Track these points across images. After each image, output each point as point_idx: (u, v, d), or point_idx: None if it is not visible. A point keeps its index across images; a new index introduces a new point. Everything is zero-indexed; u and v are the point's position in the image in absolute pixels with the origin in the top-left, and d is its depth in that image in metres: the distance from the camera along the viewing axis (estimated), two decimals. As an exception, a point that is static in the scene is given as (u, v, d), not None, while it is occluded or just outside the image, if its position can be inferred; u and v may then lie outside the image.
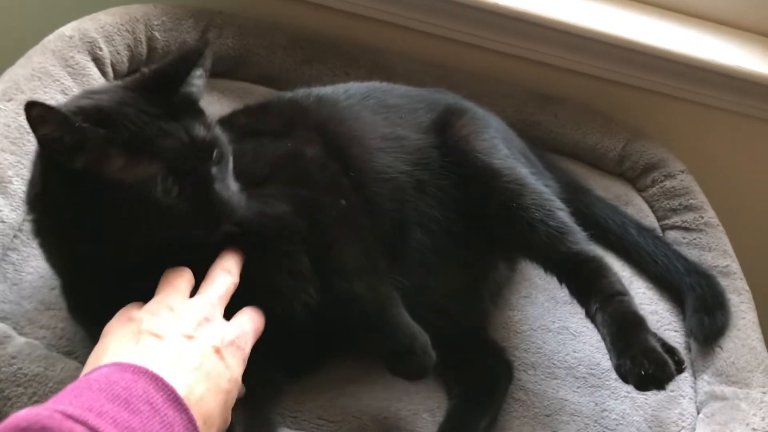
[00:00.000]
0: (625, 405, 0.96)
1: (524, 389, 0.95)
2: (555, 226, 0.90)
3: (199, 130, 0.75)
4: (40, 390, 0.75)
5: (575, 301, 0.91)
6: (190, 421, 0.61)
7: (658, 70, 1.31)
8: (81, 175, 0.70)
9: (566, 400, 0.95)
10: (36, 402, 0.74)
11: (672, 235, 1.19)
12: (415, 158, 0.94)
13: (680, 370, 0.81)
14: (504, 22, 1.26)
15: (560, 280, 0.92)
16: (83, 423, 0.55)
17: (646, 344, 0.80)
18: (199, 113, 0.78)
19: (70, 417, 0.55)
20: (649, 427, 0.95)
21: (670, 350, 0.83)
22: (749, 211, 1.44)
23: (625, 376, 0.80)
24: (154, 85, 0.76)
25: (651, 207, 1.25)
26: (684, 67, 1.27)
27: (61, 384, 0.76)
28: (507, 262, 1.02)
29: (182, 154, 0.73)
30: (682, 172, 1.25)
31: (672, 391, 0.99)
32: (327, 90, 1.03)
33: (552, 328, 1.03)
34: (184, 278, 0.76)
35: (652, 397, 0.98)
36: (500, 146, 0.99)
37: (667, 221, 1.22)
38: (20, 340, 0.80)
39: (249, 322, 0.77)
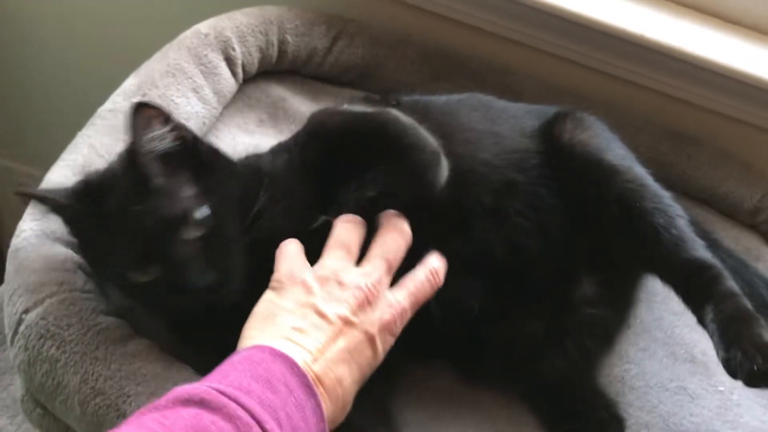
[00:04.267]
0: (744, 480, 0.91)
1: (636, 451, 0.91)
2: (677, 234, 0.86)
3: (171, 198, 0.74)
4: (158, 390, 0.75)
5: (689, 309, 0.85)
6: (318, 405, 0.65)
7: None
8: None
9: (681, 469, 0.90)
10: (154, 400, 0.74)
11: (805, 299, 1.11)
12: (510, 158, 0.89)
13: None
14: (644, 54, 1.20)
15: (675, 287, 0.87)
16: (234, 400, 0.60)
17: (760, 338, 0.75)
18: (178, 167, 0.76)
19: (222, 393, 0.60)
20: None
21: None
22: None
23: (734, 371, 0.75)
24: (129, 161, 0.76)
25: (784, 265, 1.17)
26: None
27: (177, 385, 0.74)
28: (592, 278, 0.93)
29: (143, 243, 0.73)
30: (821, 231, 1.16)
31: (796, 471, 0.93)
32: (432, 96, 1.01)
33: (669, 387, 0.97)
34: (354, 235, 0.79)
35: (775, 475, 0.92)
36: (614, 145, 0.94)
37: (800, 282, 1.13)
38: (141, 340, 0.81)
39: (410, 296, 0.77)
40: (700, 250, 0.86)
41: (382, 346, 0.74)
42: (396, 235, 0.79)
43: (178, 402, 0.59)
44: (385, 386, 0.85)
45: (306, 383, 0.65)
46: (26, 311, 0.78)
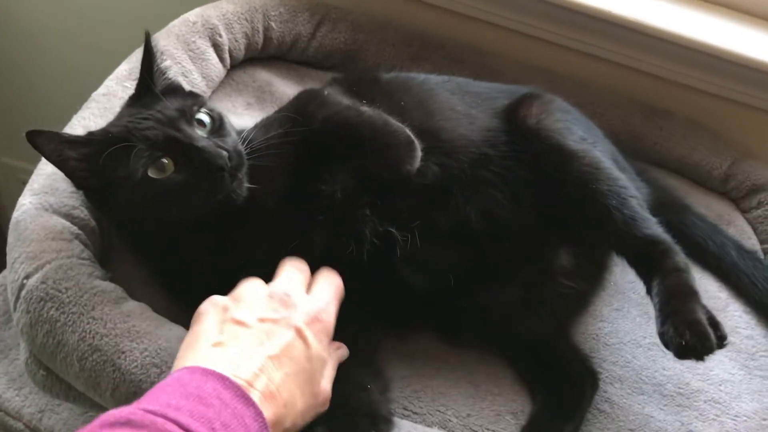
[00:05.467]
0: (713, 429, 0.94)
1: (609, 401, 0.95)
2: (629, 214, 0.91)
3: (175, 104, 0.83)
4: (151, 346, 0.80)
5: (640, 284, 0.91)
6: (258, 413, 0.66)
7: (771, 89, 1.27)
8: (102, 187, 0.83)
9: (652, 417, 0.94)
10: (147, 357, 0.80)
11: (775, 260, 1.16)
12: (483, 135, 0.96)
13: (721, 345, 0.83)
14: (614, 31, 1.25)
15: (629, 263, 0.93)
16: (162, 416, 0.61)
17: (691, 314, 0.82)
18: (181, 95, 0.89)
19: (150, 412, 0.61)
20: (737, 454, 0.93)
21: (714, 324, 0.84)
22: None
23: (666, 344, 0.82)
24: (137, 94, 0.90)
25: (754, 229, 1.21)
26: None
27: (168, 342, 0.81)
28: (568, 250, 0.99)
29: (159, 129, 0.80)
30: (790, 196, 1.21)
31: (764, 419, 0.97)
32: (411, 74, 1.08)
33: (643, 343, 1.02)
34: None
35: (742, 423, 0.96)
36: (575, 129, 0.99)
37: (770, 245, 1.18)
38: (133, 302, 0.86)
39: (328, 287, 0.82)
40: (651, 227, 0.92)
41: (315, 338, 0.75)
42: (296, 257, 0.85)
43: (105, 426, 0.60)
44: (373, 346, 0.91)
45: (240, 394, 0.66)
46: (27, 277, 0.83)
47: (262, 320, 0.74)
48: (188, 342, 0.74)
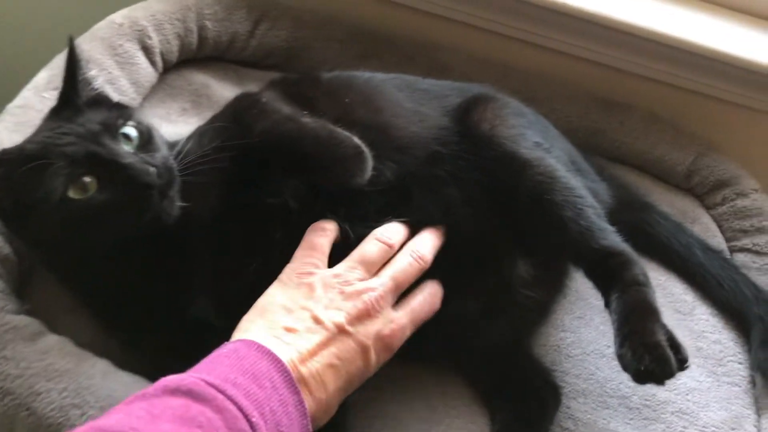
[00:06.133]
0: (682, 441, 0.90)
1: (573, 418, 0.90)
2: (585, 225, 0.87)
3: (99, 117, 0.78)
4: (70, 385, 0.74)
5: (599, 294, 0.86)
6: (301, 403, 0.66)
7: (733, 79, 1.22)
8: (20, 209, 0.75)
9: (618, 433, 0.90)
10: (66, 398, 0.74)
11: (741, 259, 1.11)
12: (433, 133, 0.91)
13: (682, 368, 0.78)
14: (570, 22, 1.20)
15: (587, 275, 0.89)
16: (222, 391, 0.61)
17: (650, 336, 0.77)
18: (106, 107, 0.83)
19: (211, 385, 0.61)
20: (707, 468, 0.89)
21: (675, 346, 0.79)
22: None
23: (624, 367, 0.77)
24: (58, 106, 0.83)
25: (719, 226, 1.17)
26: (763, 77, 1.19)
27: (90, 379, 0.75)
28: (527, 259, 0.93)
29: (80, 144, 0.74)
30: (756, 191, 1.16)
31: (733, 429, 0.93)
32: (354, 72, 1.02)
33: (606, 353, 0.97)
34: (378, 255, 0.80)
35: (712, 435, 0.92)
36: (529, 135, 0.94)
37: (736, 243, 1.14)
38: (52, 336, 0.79)
39: (408, 315, 0.79)
40: (608, 237, 0.87)
41: (377, 358, 0.75)
42: (412, 260, 0.81)
43: (167, 391, 0.60)
44: None
45: (290, 381, 0.66)
46: (-72, 317, 0.76)
47: (337, 326, 0.73)
48: (263, 308, 0.74)
